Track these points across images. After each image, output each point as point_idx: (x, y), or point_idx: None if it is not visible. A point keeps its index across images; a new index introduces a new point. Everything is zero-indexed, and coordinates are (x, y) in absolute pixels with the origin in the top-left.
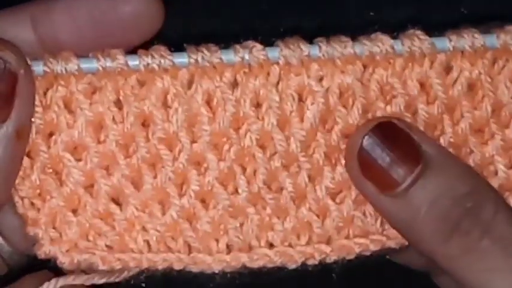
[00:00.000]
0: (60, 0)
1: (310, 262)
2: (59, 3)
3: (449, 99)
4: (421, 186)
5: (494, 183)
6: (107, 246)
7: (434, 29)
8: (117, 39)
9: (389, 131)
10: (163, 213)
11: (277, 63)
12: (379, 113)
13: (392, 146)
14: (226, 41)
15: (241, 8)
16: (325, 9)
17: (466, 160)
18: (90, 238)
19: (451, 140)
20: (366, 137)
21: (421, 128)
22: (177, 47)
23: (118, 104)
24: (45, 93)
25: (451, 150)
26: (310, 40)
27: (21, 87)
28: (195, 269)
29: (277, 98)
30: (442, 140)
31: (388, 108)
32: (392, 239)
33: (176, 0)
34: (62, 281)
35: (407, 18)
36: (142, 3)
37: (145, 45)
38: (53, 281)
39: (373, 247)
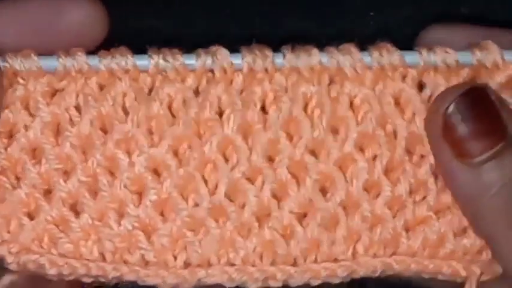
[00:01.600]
0: (4, 6)
1: (273, 283)
2: (2, 8)
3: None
4: (497, 164)
5: None
6: (60, 255)
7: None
8: (62, 46)
9: (480, 100)
10: (119, 224)
11: (241, 70)
12: (346, 128)
13: (480, 116)
14: (224, 42)
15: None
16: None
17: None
18: (44, 245)
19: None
20: (457, 99)
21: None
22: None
23: (77, 106)
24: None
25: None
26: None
27: None
28: (149, 282)
29: (240, 105)
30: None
31: (359, 122)
32: (363, 267)
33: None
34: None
35: (408, 18)
36: (86, 12)
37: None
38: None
39: (341, 272)
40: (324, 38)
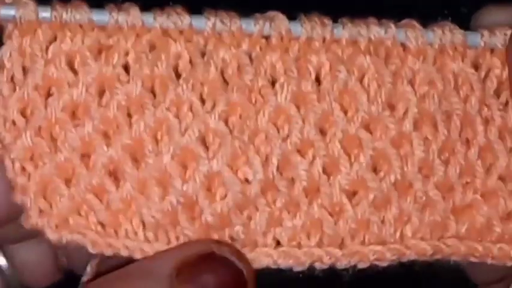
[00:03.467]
0: None
1: (318, 266)
2: None
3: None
4: None
5: None
6: (99, 223)
7: None
8: None
9: None
10: (163, 198)
11: (298, 39)
12: (406, 104)
13: None
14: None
15: None
16: None
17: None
18: (82, 213)
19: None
20: None
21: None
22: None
23: (125, 65)
24: (47, 46)
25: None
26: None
27: None
28: None
29: (294, 73)
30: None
31: (418, 99)
32: (412, 249)
33: None
34: None
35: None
36: None
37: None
38: None
39: (390, 256)
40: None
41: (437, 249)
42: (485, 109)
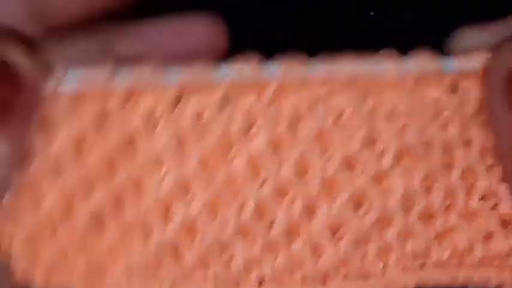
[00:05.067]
0: (122, 33)
1: None
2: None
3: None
4: None
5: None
6: (85, 272)
7: None
8: None
9: None
10: (145, 243)
11: (273, 82)
12: (385, 140)
13: None
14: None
15: None
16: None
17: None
18: (68, 263)
19: None
20: None
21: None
22: None
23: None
24: None
25: None
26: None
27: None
28: None
29: (272, 118)
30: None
31: (398, 134)
32: (394, 282)
33: None
34: None
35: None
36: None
37: None
38: None
39: None
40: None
41: (419, 280)
42: (465, 132)
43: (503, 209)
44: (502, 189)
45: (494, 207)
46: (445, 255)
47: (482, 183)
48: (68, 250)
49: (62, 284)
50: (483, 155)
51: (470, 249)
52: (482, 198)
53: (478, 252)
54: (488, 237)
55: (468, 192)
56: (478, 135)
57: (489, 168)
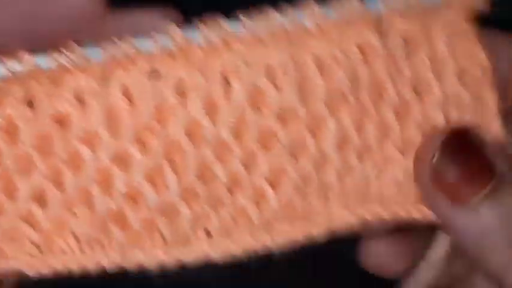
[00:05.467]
0: None
1: (253, 252)
2: None
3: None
4: (493, 201)
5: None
6: (35, 246)
7: None
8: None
9: (464, 142)
10: (89, 215)
11: (199, 46)
12: (315, 88)
13: (467, 158)
14: None
15: None
16: None
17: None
18: (16, 241)
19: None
20: (441, 146)
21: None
22: None
23: (31, 104)
24: None
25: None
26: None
27: None
28: (129, 267)
29: (203, 83)
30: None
31: (328, 81)
32: (337, 221)
33: None
34: None
35: None
36: None
37: None
38: None
39: (317, 232)
40: None
41: (362, 218)
42: (394, 67)
43: None
44: (438, 117)
45: None
46: (385, 190)
47: (416, 115)
48: (13, 230)
49: (11, 262)
50: (415, 87)
51: (409, 186)
52: (418, 129)
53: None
54: None
55: (403, 125)
56: (407, 69)
57: (421, 99)
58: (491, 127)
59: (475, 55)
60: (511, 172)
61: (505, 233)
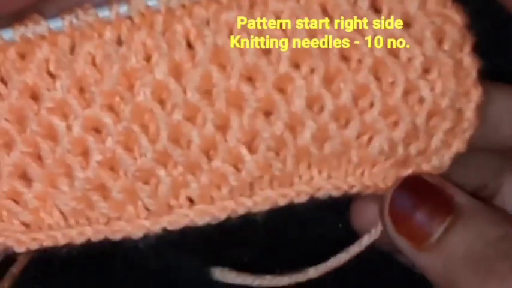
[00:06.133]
0: None
1: (234, 215)
2: None
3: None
4: (453, 236)
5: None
6: (22, 224)
7: None
8: None
9: (418, 186)
10: (71, 187)
11: (160, 12)
12: (278, 47)
13: (422, 200)
14: None
15: None
16: None
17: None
18: (4, 219)
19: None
20: (396, 194)
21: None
22: None
23: (1, 79)
24: None
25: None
26: None
27: None
28: (114, 238)
29: (165, 47)
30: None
31: (289, 38)
32: (319, 189)
33: None
34: None
35: None
36: None
37: None
38: None
39: (298, 196)
40: None
41: (340, 187)
42: (363, 25)
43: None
44: (423, 84)
45: (420, 101)
46: (368, 155)
47: (400, 78)
48: (2, 208)
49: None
50: (392, 51)
51: (393, 148)
52: (406, 93)
53: (400, 150)
54: (412, 135)
55: (387, 90)
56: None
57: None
58: (471, 94)
59: (450, 17)
60: (469, 203)
61: (468, 261)
